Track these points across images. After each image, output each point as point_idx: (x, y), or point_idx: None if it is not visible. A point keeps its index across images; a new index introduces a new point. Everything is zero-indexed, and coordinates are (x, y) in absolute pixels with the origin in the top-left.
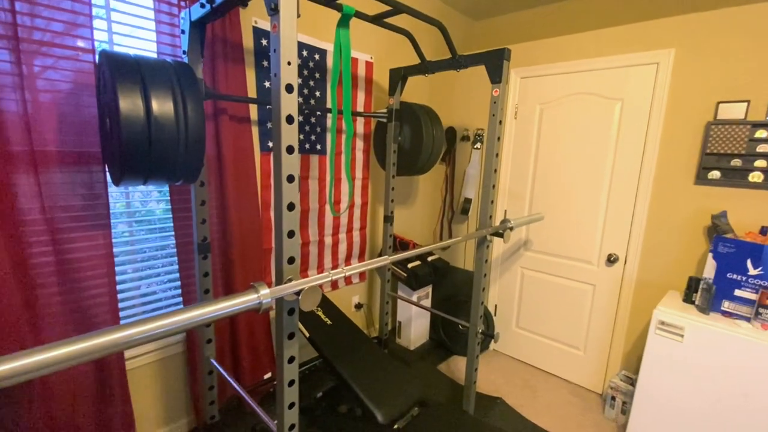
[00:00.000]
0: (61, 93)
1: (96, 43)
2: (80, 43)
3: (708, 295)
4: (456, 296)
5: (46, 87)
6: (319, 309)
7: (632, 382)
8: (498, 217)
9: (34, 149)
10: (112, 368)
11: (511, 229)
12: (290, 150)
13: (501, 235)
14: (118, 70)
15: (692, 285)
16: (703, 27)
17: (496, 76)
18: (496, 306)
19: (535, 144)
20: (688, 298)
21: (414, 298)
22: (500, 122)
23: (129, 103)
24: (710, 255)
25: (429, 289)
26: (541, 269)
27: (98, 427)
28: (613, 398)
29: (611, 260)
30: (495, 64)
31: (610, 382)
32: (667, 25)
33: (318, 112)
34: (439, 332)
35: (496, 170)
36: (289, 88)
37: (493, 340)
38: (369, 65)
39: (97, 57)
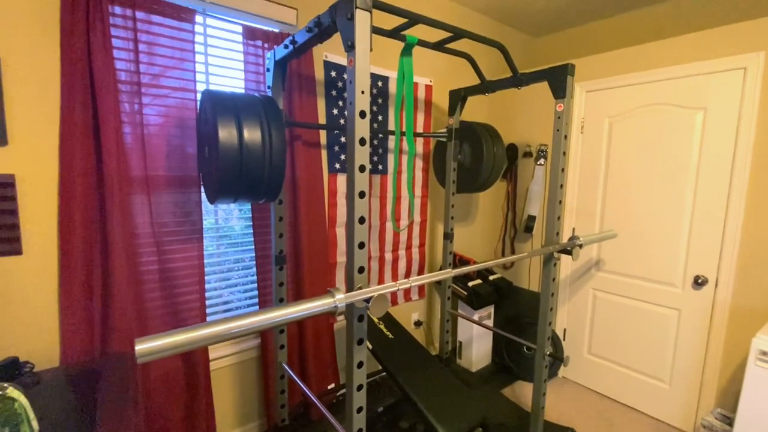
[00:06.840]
0: (168, 125)
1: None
2: (184, 84)
3: None
4: (520, 318)
5: (157, 121)
6: (381, 323)
7: (730, 422)
8: (565, 235)
9: (147, 174)
10: (199, 367)
11: (581, 246)
12: (362, 169)
13: (569, 252)
14: (218, 106)
15: None
16: None
17: (560, 91)
18: (564, 330)
19: (604, 158)
20: None
21: (475, 319)
22: (565, 137)
23: (226, 133)
24: None
25: (491, 309)
26: (615, 291)
27: (185, 420)
28: None
29: (699, 282)
30: (558, 79)
31: (703, 421)
32: (755, 27)
33: (380, 135)
34: (502, 355)
35: (562, 185)
36: (362, 114)
37: (562, 364)
38: (428, 88)
39: (198, 95)
